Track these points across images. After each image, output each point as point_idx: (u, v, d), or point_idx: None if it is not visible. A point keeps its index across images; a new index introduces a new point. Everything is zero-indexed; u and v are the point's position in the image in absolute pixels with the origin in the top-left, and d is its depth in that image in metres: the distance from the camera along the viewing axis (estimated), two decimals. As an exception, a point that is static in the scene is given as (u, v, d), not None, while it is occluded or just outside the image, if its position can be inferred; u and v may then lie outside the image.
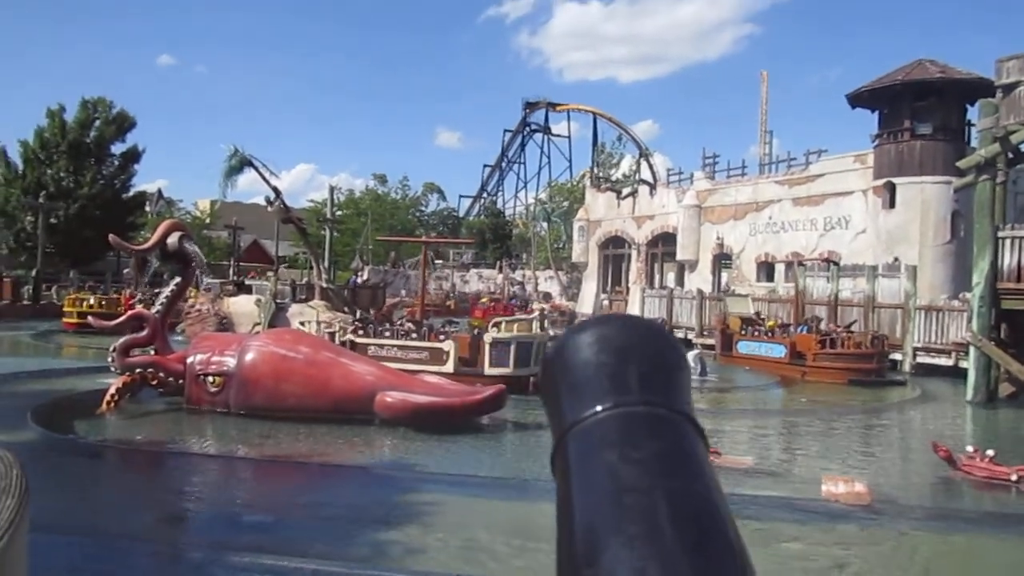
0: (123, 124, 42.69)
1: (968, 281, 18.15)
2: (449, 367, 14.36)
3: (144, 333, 12.40)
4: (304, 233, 29.99)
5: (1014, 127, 16.37)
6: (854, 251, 26.88)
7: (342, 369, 11.93)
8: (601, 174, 45.75)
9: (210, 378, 11.83)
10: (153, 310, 13.03)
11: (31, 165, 40.51)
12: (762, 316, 23.30)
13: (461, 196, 79.95)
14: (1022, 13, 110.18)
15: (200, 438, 10.81)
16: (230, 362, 11.84)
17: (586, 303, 41.60)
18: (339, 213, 58.50)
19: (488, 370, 14.54)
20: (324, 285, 27.47)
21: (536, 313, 17.84)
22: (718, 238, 33.61)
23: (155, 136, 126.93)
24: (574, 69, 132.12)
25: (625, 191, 40.90)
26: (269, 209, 27.01)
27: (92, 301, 26.47)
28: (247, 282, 33.64)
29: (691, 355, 20.71)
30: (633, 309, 34.74)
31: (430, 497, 8.12)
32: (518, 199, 77.05)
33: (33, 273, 33.75)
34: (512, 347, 14.86)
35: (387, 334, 15.72)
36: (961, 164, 17.79)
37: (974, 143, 19.76)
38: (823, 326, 20.91)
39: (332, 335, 15.74)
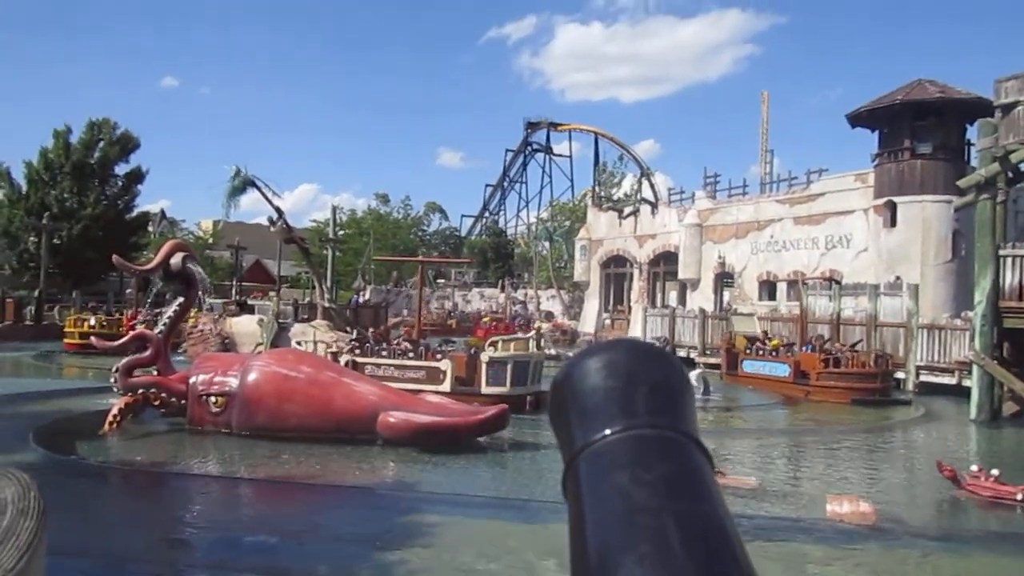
0: (127, 145, 42.93)
1: (970, 300, 18.15)
2: (446, 386, 14.34)
3: (147, 353, 12.41)
4: (306, 253, 30.11)
5: (1013, 146, 16.44)
6: (856, 270, 26.88)
7: (344, 389, 11.92)
8: (603, 193, 45.93)
9: (212, 398, 11.82)
10: (156, 330, 13.05)
11: (34, 186, 40.71)
12: (770, 335, 23.24)
13: (463, 216, 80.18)
14: (1020, 33, 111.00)
15: (202, 459, 10.79)
16: (232, 382, 11.84)
17: (588, 322, 41.57)
18: (341, 233, 58.68)
19: (485, 389, 14.53)
20: (326, 305, 27.54)
21: (532, 332, 17.80)
22: (720, 257, 33.63)
23: (159, 157, 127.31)
24: (576, 89, 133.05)
25: (627, 210, 41.00)
26: (272, 229, 27.14)
27: (93, 321, 26.48)
28: (250, 302, 33.71)
29: (694, 374, 20.64)
30: (635, 328, 34.72)
31: (433, 518, 8.10)
32: (520, 218, 77.26)
33: (36, 294, 33.80)
34: (509, 366, 14.85)
35: (384, 353, 15.70)
36: (961, 183, 17.84)
37: (974, 162, 19.83)
38: (828, 345, 20.84)
39: (335, 355, 15.75)
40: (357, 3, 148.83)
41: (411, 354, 15.56)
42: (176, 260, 12.78)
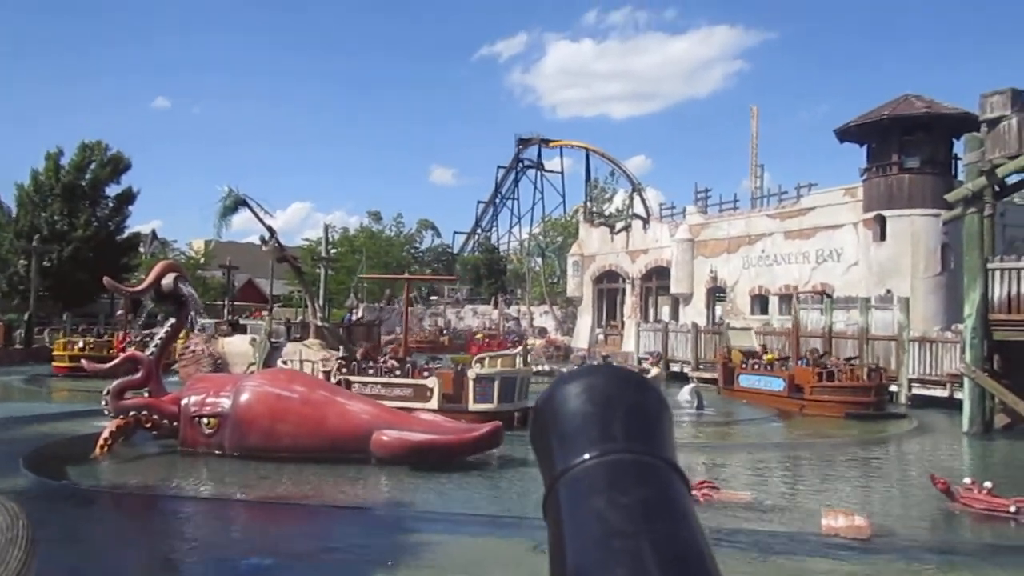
0: (118, 166, 42.89)
1: (960, 312, 18.23)
2: (433, 404, 14.32)
3: (138, 376, 12.35)
4: (299, 272, 30.07)
5: (999, 161, 16.60)
6: (847, 283, 27.01)
7: (337, 408, 11.89)
8: (594, 209, 46.13)
9: (205, 419, 11.77)
10: (147, 352, 13.00)
11: (24, 208, 40.62)
12: (768, 349, 23.27)
13: (455, 232, 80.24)
14: (1005, 45, 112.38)
15: (195, 481, 10.73)
16: (225, 403, 11.79)
17: (581, 338, 41.58)
18: (334, 251, 58.66)
19: (472, 406, 14.51)
20: (319, 323, 27.43)
21: (519, 348, 17.81)
22: (712, 271, 33.76)
23: (150, 177, 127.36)
24: (567, 106, 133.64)
25: (618, 226, 41.15)
26: (264, 248, 27.08)
27: (81, 344, 26.32)
28: (242, 322, 33.58)
29: (687, 389, 20.70)
30: (628, 343, 34.74)
31: (428, 537, 8.07)
32: (512, 235, 77.36)
33: (26, 317, 33.61)
34: (496, 383, 14.85)
35: (371, 371, 15.67)
36: (949, 197, 17.98)
37: (961, 176, 20.01)
38: (824, 359, 20.86)
39: (328, 374, 15.70)
40: (349, 25, 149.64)
41: (398, 372, 15.54)
42: (167, 281, 12.75)
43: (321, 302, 33.30)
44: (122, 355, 14.31)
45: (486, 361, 15.65)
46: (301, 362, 17.08)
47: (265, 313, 36.93)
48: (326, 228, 43.89)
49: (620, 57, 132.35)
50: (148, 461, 11.77)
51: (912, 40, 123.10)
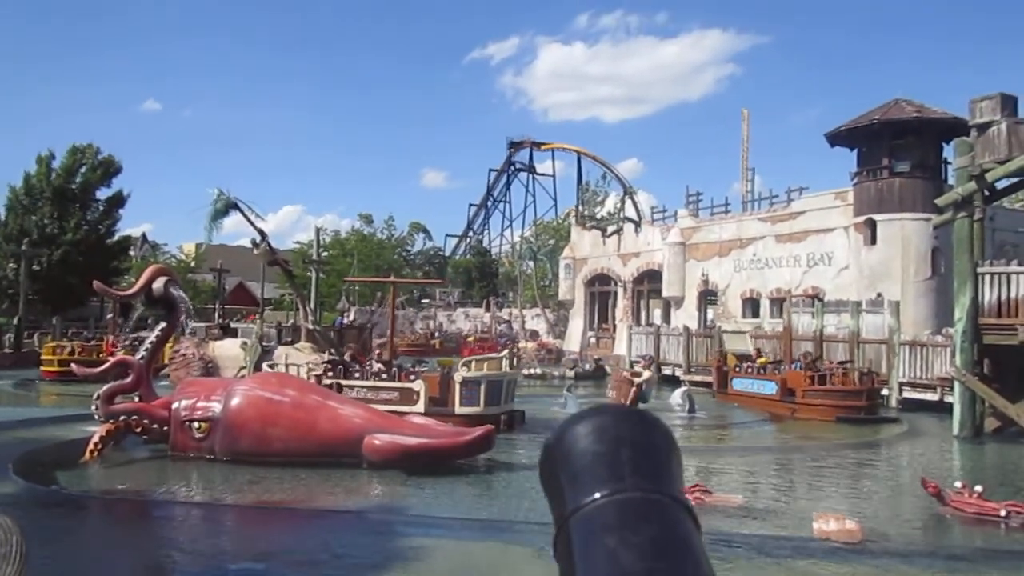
0: (109, 169, 42.73)
1: (950, 316, 18.33)
2: (419, 407, 14.32)
3: (128, 380, 12.29)
4: (290, 275, 29.98)
5: (989, 165, 16.70)
6: (838, 287, 27.11)
7: (329, 412, 11.86)
8: (586, 212, 46.19)
9: (196, 424, 11.71)
10: (137, 356, 12.94)
11: (14, 212, 40.40)
12: (763, 352, 23.31)
13: (447, 235, 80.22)
14: (995, 49, 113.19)
15: (186, 486, 10.68)
16: (216, 407, 11.74)
17: (573, 341, 41.60)
18: (325, 254, 58.47)
19: (458, 409, 14.52)
20: (310, 327, 27.35)
21: (505, 352, 17.83)
22: (703, 275, 33.84)
23: (141, 180, 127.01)
24: (559, 109, 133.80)
25: (610, 229, 41.20)
26: (255, 252, 26.99)
27: (69, 348, 26.15)
28: (233, 325, 33.47)
29: (679, 392, 20.72)
30: (620, 346, 34.76)
31: (419, 541, 8.05)
32: (504, 238, 77.43)
33: (15, 321, 33.39)
34: (482, 386, 14.86)
35: (357, 375, 15.63)
36: (939, 202, 18.09)
37: (951, 181, 20.13)
38: (818, 363, 20.88)
39: (319, 378, 15.65)
40: (341, 27, 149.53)
41: (384, 375, 15.52)
42: (158, 285, 12.69)
43: (312, 305, 33.21)
44: (112, 359, 14.23)
45: (472, 364, 15.68)
46: (287, 365, 17.05)
47: (257, 316, 36.81)
48: (317, 231, 43.80)
49: (612, 60, 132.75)
50: (138, 466, 11.71)
51: (902, 44, 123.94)
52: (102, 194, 43.29)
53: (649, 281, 37.79)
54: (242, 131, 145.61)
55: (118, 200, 43.69)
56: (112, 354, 22.74)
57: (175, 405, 11.95)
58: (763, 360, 21.96)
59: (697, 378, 26.24)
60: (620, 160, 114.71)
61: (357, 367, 16.17)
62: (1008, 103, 17.06)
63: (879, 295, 24.23)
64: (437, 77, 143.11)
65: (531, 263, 60.21)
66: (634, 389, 20.44)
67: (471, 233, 78.61)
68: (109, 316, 33.82)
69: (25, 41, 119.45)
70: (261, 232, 26.19)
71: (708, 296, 34.28)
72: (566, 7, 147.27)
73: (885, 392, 20.98)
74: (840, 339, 23.35)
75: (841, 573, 7.33)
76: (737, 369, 22.11)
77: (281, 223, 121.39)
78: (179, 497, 10.12)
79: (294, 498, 9.91)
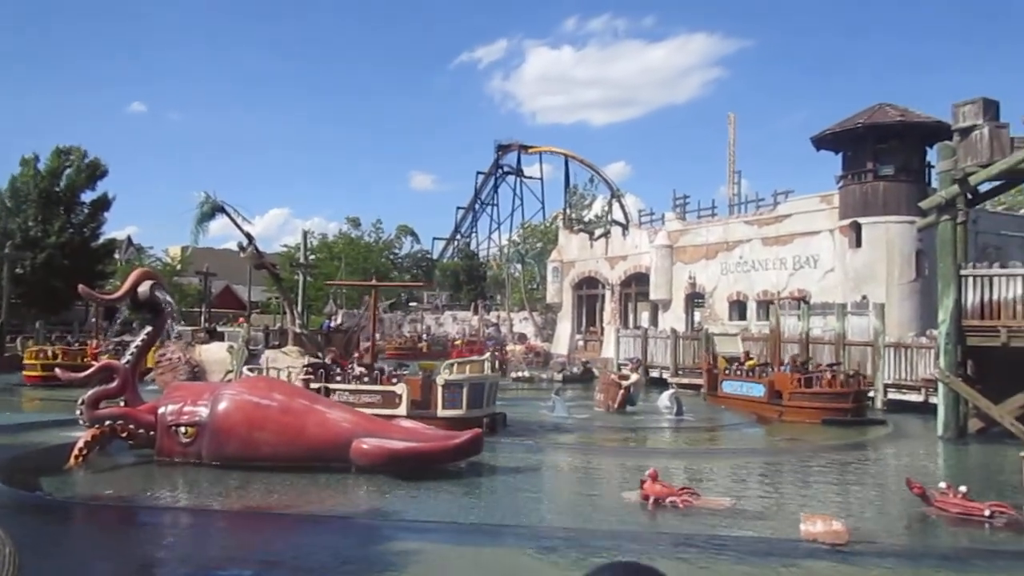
0: (94, 172, 42.45)
1: (934, 318, 18.48)
2: (402, 410, 14.32)
3: (114, 384, 12.20)
4: (277, 278, 29.87)
5: (972, 169, 16.87)
6: (823, 289, 27.31)
7: (317, 416, 11.82)
8: (574, 215, 46.23)
9: (182, 428, 11.65)
10: (123, 360, 12.86)
11: (-3, 215, 40.07)
12: (751, 355, 23.37)
13: (435, 238, 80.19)
14: (978, 50, 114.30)
15: (173, 491, 10.61)
16: (203, 412, 11.68)
17: (561, 344, 41.66)
18: (312, 257, 58.26)
19: (441, 412, 14.53)
20: (297, 330, 27.25)
21: (487, 355, 17.88)
22: (690, 277, 33.98)
23: (126, 182, 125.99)
24: (547, 112, 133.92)
25: (598, 232, 41.30)
26: (242, 255, 26.89)
27: (51, 353, 25.90)
28: (219, 329, 33.30)
29: (667, 394, 20.79)
30: (608, 349, 34.82)
31: (408, 546, 8.05)
32: (492, 241, 77.45)
33: (-2, 324, 33.07)
34: (465, 389, 14.87)
35: (338, 378, 15.59)
36: (923, 205, 18.25)
37: (935, 184, 20.32)
38: (808, 364, 20.97)
39: (306, 382, 15.58)
40: (328, 29, 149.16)
41: (366, 379, 15.49)
42: (144, 288, 12.62)
43: (299, 309, 33.09)
44: (97, 364, 14.13)
45: (455, 367, 15.70)
46: (267, 369, 17.03)
47: (243, 320, 36.63)
48: (304, 234, 43.65)
49: (599, 64, 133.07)
50: (124, 471, 11.62)
51: (887, 48, 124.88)
52: (87, 197, 43.00)
53: (636, 284, 37.90)
54: (229, 134, 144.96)
55: (103, 203, 43.40)
56: (96, 358, 22.58)
57: (161, 410, 11.88)
58: (751, 363, 22.05)
59: (684, 380, 26.35)
60: (607, 163, 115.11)
61: (338, 370, 16.12)
62: (990, 107, 17.24)
63: (864, 297, 24.41)
64: (425, 80, 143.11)
65: (519, 266, 60.22)
66: (622, 392, 20.51)
67: (459, 236, 78.61)
68: (92, 320, 33.62)
69: (8, 42, 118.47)
70: (248, 235, 26.09)
71: (695, 299, 34.43)
72: (554, 11, 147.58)
73: (871, 393, 21.12)
74: (826, 341, 23.50)
75: (828, 574, 7.37)
76: (727, 372, 22.19)
77: (268, 226, 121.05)
78: (165, 502, 10.05)
79: (282, 503, 9.87)
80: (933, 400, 18.22)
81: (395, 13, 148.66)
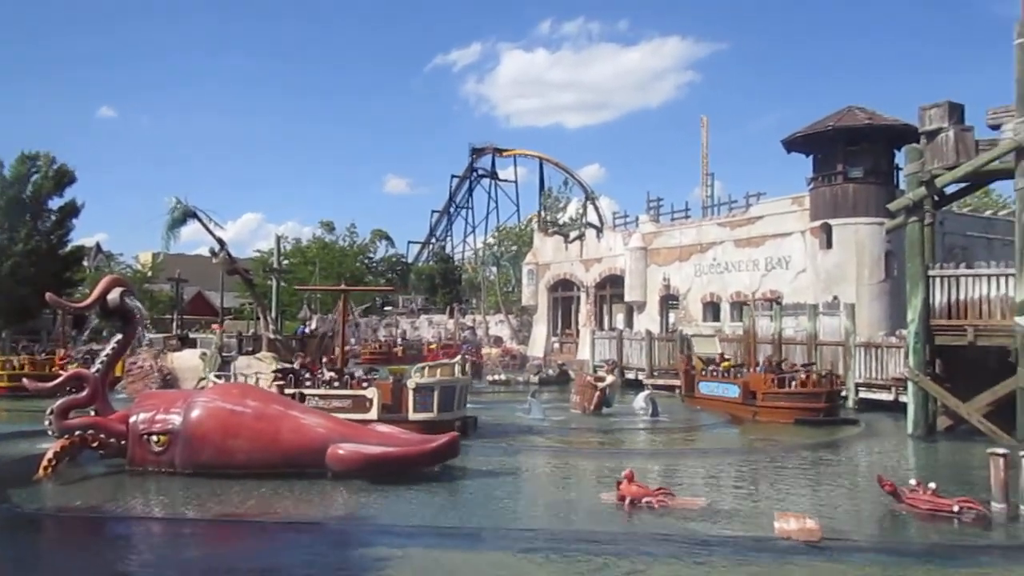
0: (62, 178, 41.74)
1: (903, 318, 18.79)
2: (372, 414, 14.31)
3: (84, 394, 12.03)
4: (250, 284, 29.69)
5: (938, 171, 17.19)
6: (795, 290, 27.63)
7: (292, 422, 11.74)
8: (548, 218, 46.28)
9: (154, 437, 11.51)
10: (93, 369, 12.68)
11: (-39, 223, 39.23)
12: (727, 356, 23.55)
13: (410, 242, 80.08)
14: (943, 51, 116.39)
15: (145, 501, 10.47)
16: (175, 419, 11.56)
17: (537, 346, 41.72)
18: (286, 262, 57.89)
19: (412, 415, 14.53)
20: (271, 336, 27.09)
21: (458, 358, 17.98)
22: (664, 279, 34.21)
23: (95, 188, 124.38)
24: (521, 115, 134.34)
25: (572, 235, 41.41)
26: (214, 261, 26.72)
27: (17, 363, 25.40)
28: (191, 335, 32.94)
29: (642, 396, 20.92)
30: (583, 351, 34.93)
31: (385, 551, 8.03)
32: (467, 244, 77.49)
33: (-38, 334, 32.45)
34: (435, 392, 14.88)
35: (308, 383, 15.52)
36: (891, 207, 18.55)
37: (903, 186, 20.65)
38: (784, 364, 21.16)
39: (280, 387, 15.47)
40: (301, 31, 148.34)
41: (336, 383, 15.44)
42: (114, 296, 12.44)
43: (273, 314, 32.87)
44: (66, 373, 13.91)
45: (426, 371, 15.71)
46: (235, 375, 16.94)
47: (219, 327, 36.26)
48: (278, 239, 43.38)
49: (573, 67, 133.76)
50: (95, 482, 11.45)
51: (858, 50, 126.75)
52: (55, 203, 42.27)
53: (611, 286, 38.08)
54: (201, 138, 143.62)
55: (71, 210, 42.67)
56: (63, 368, 22.22)
57: (133, 418, 11.72)
58: (727, 364, 22.23)
59: (660, 382, 26.53)
60: (582, 166, 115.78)
61: (308, 375, 16.04)
62: (955, 111, 17.58)
63: (835, 298, 24.73)
64: (399, 83, 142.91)
65: (494, 269, 60.21)
66: (598, 394, 20.60)
67: (434, 240, 78.53)
68: (61, 329, 33.07)
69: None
70: (220, 241, 25.92)
71: (670, 300, 34.66)
72: (528, 14, 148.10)
73: (844, 393, 21.38)
74: (798, 341, 23.78)
75: (802, 571, 7.47)
76: (703, 373, 22.36)
77: (241, 231, 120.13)
78: (138, 512, 9.92)
79: (257, 510, 9.78)
80: (903, 399, 18.51)
81: (369, 16, 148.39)
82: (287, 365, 17.47)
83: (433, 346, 44.50)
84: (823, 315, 23.52)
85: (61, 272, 41.08)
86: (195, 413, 11.57)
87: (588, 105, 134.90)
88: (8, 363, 25.55)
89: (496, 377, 31.66)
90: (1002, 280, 16.17)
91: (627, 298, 35.98)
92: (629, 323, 35.65)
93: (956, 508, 9.33)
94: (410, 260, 78.04)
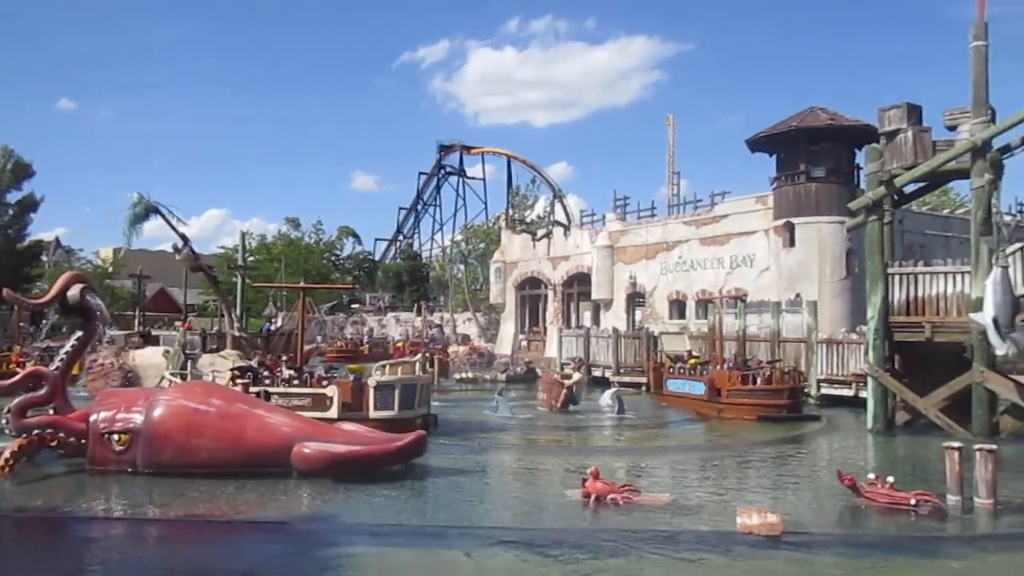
0: (20, 172, 40.84)
1: (864, 315, 19.15)
2: (332, 412, 14.21)
3: (42, 392, 11.80)
4: (214, 281, 29.28)
5: (897, 171, 17.56)
6: (759, 288, 28.02)
7: (256, 421, 11.63)
8: (516, 216, 46.47)
9: (115, 436, 11.33)
10: (52, 367, 12.44)
11: (-85, 216, 38.24)
12: (694, 353, 23.73)
13: (377, 239, 79.49)
14: (905, 47, 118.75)
15: (106, 501, 10.30)
16: (137, 418, 11.38)
17: (505, 344, 41.79)
18: (251, 259, 57.24)
19: (373, 413, 14.48)
20: (236, 334, 26.75)
21: (419, 356, 17.97)
22: (631, 277, 34.48)
23: (54, 182, 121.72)
24: (489, 113, 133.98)
25: (540, 232, 41.57)
26: (177, 257, 26.28)
27: None
28: (154, 332, 32.45)
29: (608, 393, 21.07)
30: (551, 349, 35.09)
31: (351, 550, 8.01)
32: (434, 241, 77.12)
33: (-85, 331, 31.59)
34: (396, 390, 14.86)
35: (267, 381, 15.39)
36: (852, 206, 18.91)
37: (863, 185, 21.06)
38: (750, 361, 21.39)
39: (245, 386, 15.29)
40: (267, 24, 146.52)
41: (296, 381, 15.32)
42: (74, 292, 12.21)
43: (238, 312, 32.47)
44: (24, 371, 13.62)
45: (387, 368, 15.66)
46: (190, 374, 16.76)
47: (188, 324, 35.69)
48: (243, 235, 42.92)
49: (541, 65, 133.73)
50: (54, 481, 11.24)
51: (821, 51, 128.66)
52: (12, 197, 41.36)
53: (578, 284, 38.28)
54: (164, 132, 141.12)
55: (30, 203, 41.84)
56: (20, 365, 21.74)
57: (93, 417, 11.52)
58: (693, 361, 22.42)
59: (626, 379, 26.74)
60: (550, 164, 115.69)
61: (267, 373, 15.88)
62: (913, 112, 17.97)
63: (798, 295, 25.13)
64: (367, 80, 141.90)
65: (462, 267, 60.14)
66: (564, 391, 20.70)
67: (401, 237, 78.09)
68: (21, 324, 32.37)
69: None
70: (183, 237, 25.52)
71: (636, 298, 34.94)
72: (496, 12, 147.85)
73: (807, 389, 21.69)
74: (762, 339, 24.12)
75: (764, 564, 7.60)
76: (671, 370, 22.55)
77: (205, 227, 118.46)
78: (99, 513, 9.75)
79: (220, 510, 9.68)
80: (863, 394, 18.86)
81: (336, 12, 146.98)
82: (245, 363, 17.27)
83: (400, 344, 44.35)
84: (786, 312, 23.89)
85: (19, 267, 40.24)
86: (157, 412, 11.40)
87: (556, 103, 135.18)
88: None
89: (463, 375, 31.64)
90: (958, 278, 16.57)
91: (594, 296, 36.20)
92: (596, 321, 35.87)
93: (913, 501, 9.55)
94: (377, 257, 77.55)
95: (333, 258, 75.32)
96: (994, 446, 10.13)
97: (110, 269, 62.17)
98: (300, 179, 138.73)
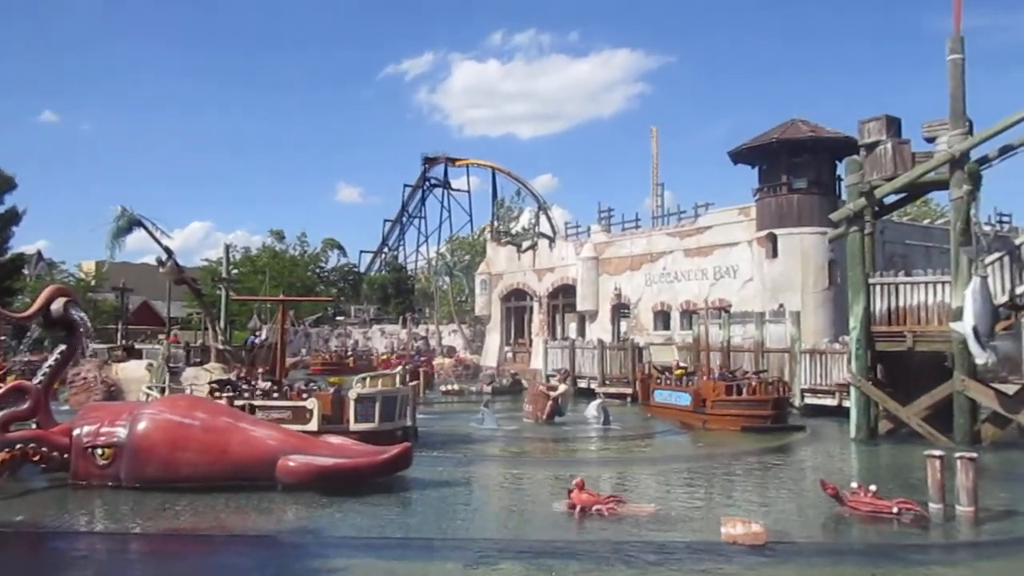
0: (2, 185, 40.52)
1: (846, 325, 19.33)
2: (312, 425, 14.15)
3: (25, 406, 11.70)
4: (198, 293, 29.13)
5: (877, 183, 17.80)
6: (743, 299, 28.21)
7: (241, 434, 11.59)
8: (501, 228, 46.47)
9: (99, 450, 11.25)
10: (35, 381, 12.35)
11: None
12: (681, 364, 23.80)
13: (362, 251, 79.34)
14: (880, 63, 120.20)
15: (89, 516, 10.22)
16: (121, 432, 11.31)
17: (490, 356, 41.78)
18: (235, 272, 56.93)
19: (353, 426, 14.43)
20: (220, 347, 26.60)
21: (399, 368, 17.94)
22: (616, 289, 34.61)
23: (36, 195, 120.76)
24: (474, 125, 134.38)
25: (525, 244, 41.65)
26: (161, 270, 26.14)
27: None
28: (137, 346, 32.21)
29: (594, 404, 21.11)
30: (536, 360, 35.11)
31: (337, 563, 7.99)
32: (419, 253, 77.11)
33: None
34: (377, 402, 14.84)
35: (246, 395, 15.31)
36: (833, 217, 19.13)
37: (844, 196, 21.31)
38: (737, 372, 21.48)
39: (230, 399, 15.22)
40: (252, 37, 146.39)
41: (275, 394, 15.26)
42: (57, 306, 12.15)
43: (222, 324, 32.28)
44: (6, 385, 13.51)
45: (367, 381, 15.65)
46: (168, 388, 16.68)
47: (169, 337, 35.44)
48: (227, 248, 42.58)
49: (525, 78, 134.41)
50: (36, 496, 11.13)
51: (802, 64, 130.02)
52: (-7, 210, 40.98)
53: (564, 295, 38.36)
54: (147, 145, 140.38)
55: (12, 216, 41.43)
56: (2, 379, 21.51)
57: (76, 431, 11.44)
58: (679, 372, 22.48)
59: (612, 390, 26.81)
60: (534, 176, 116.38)
61: (246, 386, 15.81)
62: (892, 124, 18.24)
63: (781, 306, 25.33)
64: (351, 92, 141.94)
65: (447, 279, 60.08)
66: (550, 403, 20.73)
67: (386, 249, 78.01)
68: (3, 338, 32.02)
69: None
70: (167, 249, 25.38)
71: (621, 309, 35.05)
72: (480, 25, 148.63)
73: (792, 400, 21.79)
74: (746, 349, 24.28)
75: (748, 574, 7.65)
76: (658, 381, 22.61)
77: (188, 240, 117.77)
78: (82, 527, 9.67)
79: (205, 524, 9.63)
80: (846, 403, 18.99)
81: (321, 25, 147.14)
82: (223, 377, 17.18)
83: (385, 356, 44.23)
84: (769, 323, 24.07)
85: (0, 281, 39.83)
86: (141, 425, 11.34)
87: (540, 115, 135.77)
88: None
89: (449, 387, 31.60)
90: (939, 287, 16.78)
91: (579, 307, 36.29)
92: (581, 332, 35.94)
93: (895, 509, 9.65)
94: (362, 269, 77.38)
95: (318, 270, 75.04)
96: (975, 454, 10.25)
97: (93, 282, 61.68)
98: (285, 191, 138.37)
